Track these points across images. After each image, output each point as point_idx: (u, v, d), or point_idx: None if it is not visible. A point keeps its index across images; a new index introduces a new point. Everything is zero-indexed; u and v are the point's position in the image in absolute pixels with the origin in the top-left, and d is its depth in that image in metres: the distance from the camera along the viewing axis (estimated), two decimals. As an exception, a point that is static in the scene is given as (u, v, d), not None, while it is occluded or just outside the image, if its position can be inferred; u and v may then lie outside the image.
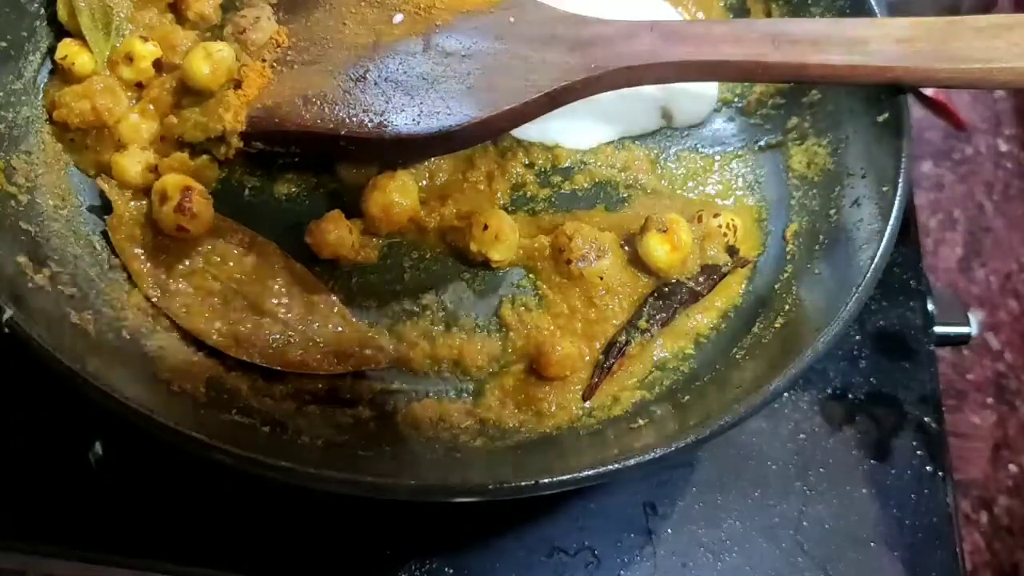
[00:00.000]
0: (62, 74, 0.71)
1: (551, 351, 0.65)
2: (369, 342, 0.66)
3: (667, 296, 0.69)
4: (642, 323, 0.68)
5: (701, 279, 0.70)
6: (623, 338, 0.67)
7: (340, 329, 0.66)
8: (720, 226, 0.71)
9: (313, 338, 0.65)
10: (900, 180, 0.68)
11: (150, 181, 0.68)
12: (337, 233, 0.68)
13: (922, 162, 1.27)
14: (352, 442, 0.62)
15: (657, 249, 0.68)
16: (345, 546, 0.66)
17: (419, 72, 0.69)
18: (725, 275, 0.71)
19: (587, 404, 0.66)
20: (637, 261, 0.70)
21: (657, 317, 0.68)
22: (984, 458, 1.10)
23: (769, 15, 0.83)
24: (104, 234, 0.68)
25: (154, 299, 0.65)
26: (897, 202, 0.67)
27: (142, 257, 0.66)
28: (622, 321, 0.68)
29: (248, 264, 0.67)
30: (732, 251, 0.71)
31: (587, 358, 0.67)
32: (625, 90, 0.74)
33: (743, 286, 0.72)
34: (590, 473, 0.55)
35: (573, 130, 0.77)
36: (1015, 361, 1.15)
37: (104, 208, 0.69)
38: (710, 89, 0.80)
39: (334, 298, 0.67)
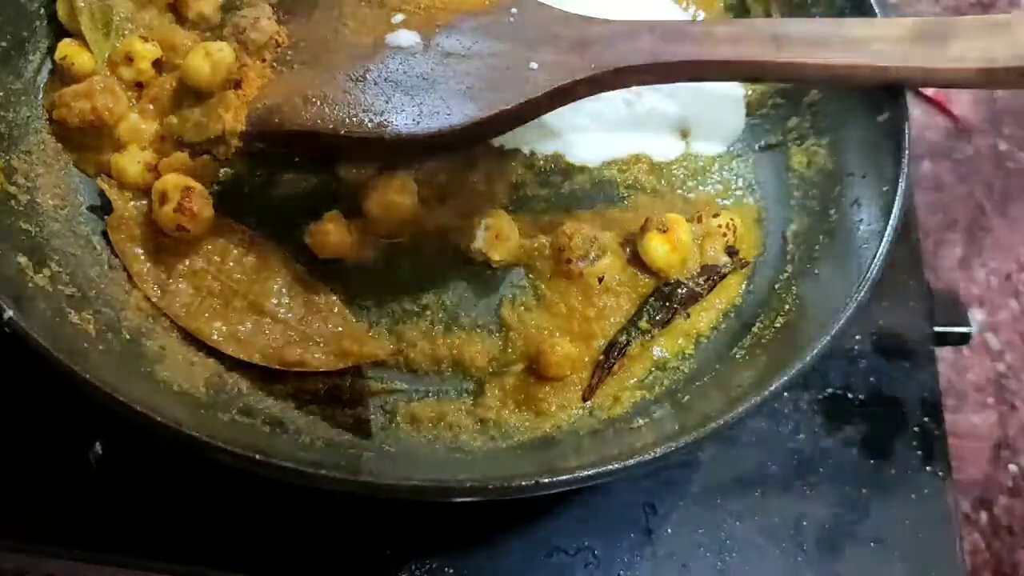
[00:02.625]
0: (62, 74, 0.71)
1: (550, 351, 0.65)
2: (368, 340, 0.66)
3: (667, 296, 0.69)
4: (642, 323, 0.68)
5: (701, 279, 0.70)
6: (623, 338, 0.67)
7: (340, 329, 0.66)
8: (720, 226, 0.71)
9: (313, 337, 0.65)
10: (900, 180, 0.68)
11: (150, 181, 0.68)
12: (337, 233, 0.67)
13: (922, 162, 1.27)
14: (352, 442, 0.62)
15: (657, 249, 0.68)
16: (345, 546, 0.66)
17: (419, 72, 0.69)
18: (725, 275, 0.71)
19: (587, 404, 0.66)
20: (637, 261, 0.70)
21: (657, 317, 0.68)
22: (984, 458, 1.10)
23: (769, 15, 0.82)
24: (104, 234, 0.68)
25: (154, 299, 0.65)
26: (897, 202, 0.67)
27: (142, 257, 0.66)
28: (622, 321, 0.68)
29: (248, 264, 0.67)
30: (732, 251, 0.71)
31: (587, 358, 0.67)
32: (644, 118, 0.75)
33: (743, 286, 0.72)
34: (590, 473, 0.55)
35: (586, 145, 0.77)
36: (1015, 361, 1.15)
37: (104, 208, 0.69)
38: (735, 122, 0.80)
39: (334, 298, 0.67)
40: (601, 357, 0.67)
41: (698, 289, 0.70)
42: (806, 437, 0.75)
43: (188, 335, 0.64)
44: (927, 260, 1.01)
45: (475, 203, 0.72)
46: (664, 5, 0.84)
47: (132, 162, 0.68)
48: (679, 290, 0.69)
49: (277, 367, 0.64)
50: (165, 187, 0.66)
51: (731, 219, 0.72)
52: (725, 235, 0.71)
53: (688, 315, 0.69)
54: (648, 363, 0.68)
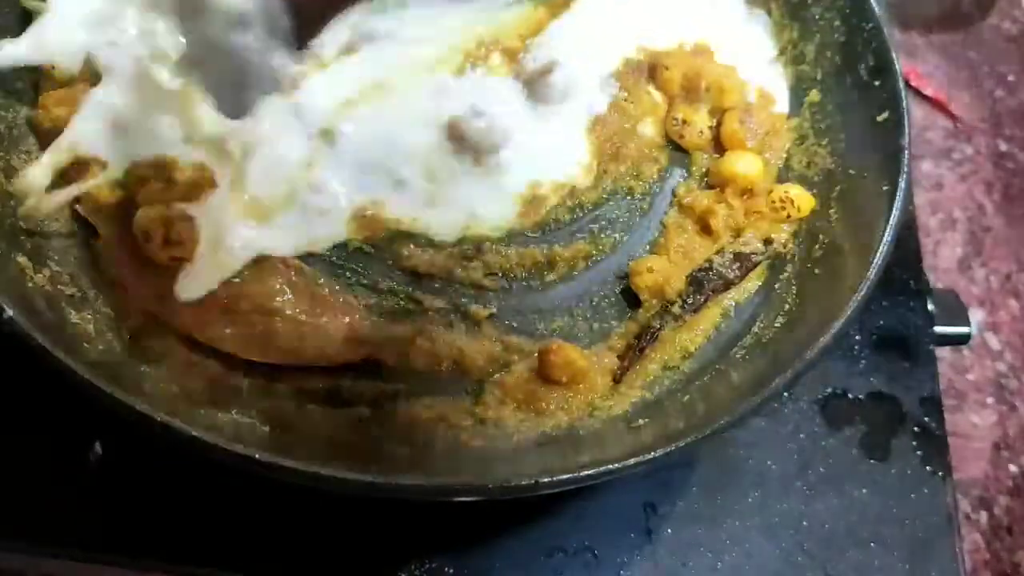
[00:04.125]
0: (45, 77, 0.70)
1: (549, 352, 0.65)
2: (384, 325, 0.65)
3: (700, 282, 0.69)
4: (675, 309, 0.68)
5: (735, 266, 0.70)
6: (657, 323, 0.67)
7: (348, 319, 0.66)
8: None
9: (327, 329, 0.65)
10: (900, 180, 0.68)
11: (121, 197, 0.65)
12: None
13: (922, 162, 1.27)
14: (352, 442, 0.62)
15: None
16: (345, 546, 0.66)
17: None
18: (757, 264, 0.71)
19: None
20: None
21: (689, 302, 0.68)
22: (984, 458, 1.09)
23: (769, 14, 0.83)
24: (104, 234, 0.68)
25: (161, 317, 0.64)
26: (897, 202, 0.67)
27: (138, 279, 0.65)
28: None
29: (244, 266, 0.67)
30: (767, 241, 0.71)
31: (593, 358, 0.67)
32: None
33: (744, 285, 0.72)
34: (590, 473, 0.55)
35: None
36: (1015, 361, 1.15)
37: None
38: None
39: (337, 287, 0.67)
40: (634, 340, 0.67)
41: (731, 276, 0.70)
42: (806, 437, 0.75)
43: (188, 335, 0.64)
44: (927, 260, 1.00)
45: None
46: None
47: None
48: (711, 276, 0.69)
49: (298, 364, 0.64)
50: (145, 224, 0.63)
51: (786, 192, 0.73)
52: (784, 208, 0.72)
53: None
54: (677, 350, 0.68)
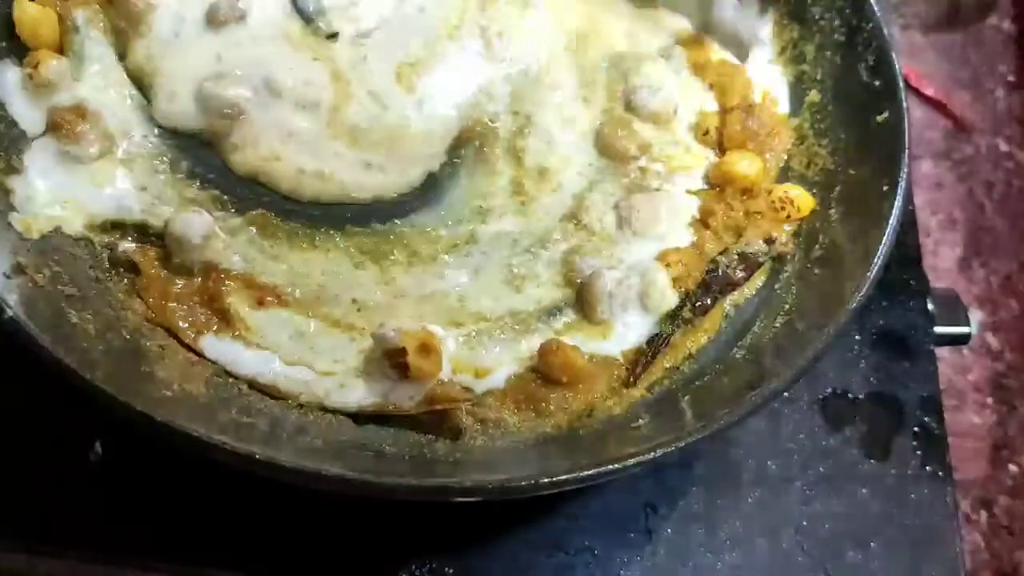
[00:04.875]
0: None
1: (549, 352, 0.65)
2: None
3: (707, 285, 0.69)
4: (685, 313, 0.68)
5: (739, 267, 0.70)
6: (668, 328, 0.67)
7: None
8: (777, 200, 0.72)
9: None
10: (900, 180, 0.68)
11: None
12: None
13: (922, 162, 1.27)
14: (351, 442, 0.62)
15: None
16: (345, 546, 0.66)
17: None
18: (762, 264, 0.71)
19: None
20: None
21: (697, 305, 0.68)
22: (984, 458, 1.10)
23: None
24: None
25: (159, 317, 0.64)
26: (897, 202, 0.67)
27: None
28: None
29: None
30: (770, 240, 0.71)
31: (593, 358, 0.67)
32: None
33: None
34: (590, 473, 0.55)
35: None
36: (1015, 361, 1.15)
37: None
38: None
39: None
40: (645, 346, 0.67)
41: (737, 277, 0.70)
42: (806, 437, 0.75)
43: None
44: (927, 260, 1.01)
45: None
46: None
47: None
48: (717, 279, 0.69)
49: None
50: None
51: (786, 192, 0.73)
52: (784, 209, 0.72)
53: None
54: (685, 351, 0.68)
